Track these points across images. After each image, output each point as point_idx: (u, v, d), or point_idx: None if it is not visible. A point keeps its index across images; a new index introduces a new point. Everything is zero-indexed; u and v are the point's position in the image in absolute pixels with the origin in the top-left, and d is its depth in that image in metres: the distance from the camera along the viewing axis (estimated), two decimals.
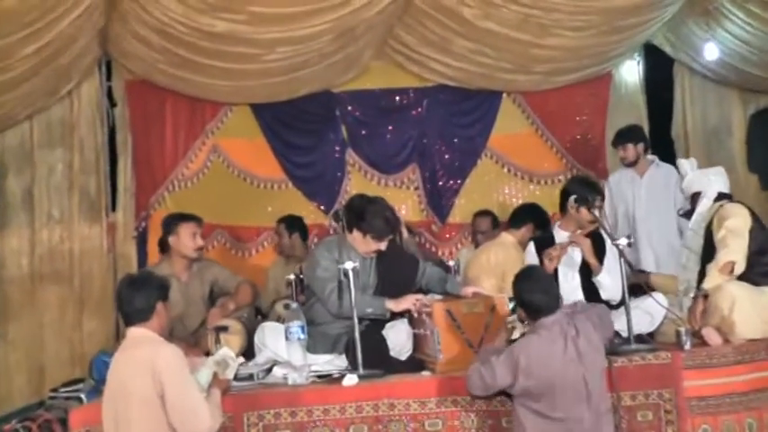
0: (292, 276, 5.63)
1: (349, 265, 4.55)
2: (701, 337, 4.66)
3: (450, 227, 7.55)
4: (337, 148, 7.54)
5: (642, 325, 4.77)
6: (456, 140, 7.62)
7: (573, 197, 5.14)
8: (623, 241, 4.68)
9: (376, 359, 4.61)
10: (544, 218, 5.97)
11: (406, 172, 7.49)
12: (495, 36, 6.66)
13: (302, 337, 4.53)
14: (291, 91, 7.22)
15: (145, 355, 3.68)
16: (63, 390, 5.02)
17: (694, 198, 5.20)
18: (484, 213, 6.89)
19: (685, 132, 7.69)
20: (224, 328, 4.90)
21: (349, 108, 7.54)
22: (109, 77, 7.29)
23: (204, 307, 5.33)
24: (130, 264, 7.19)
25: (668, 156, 7.06)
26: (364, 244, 4.85)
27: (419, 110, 7.60)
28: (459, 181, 7.59)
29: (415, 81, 7.56)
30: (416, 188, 7.52)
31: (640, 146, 6.44)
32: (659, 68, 7.68)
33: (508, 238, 5.83)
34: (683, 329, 4.57)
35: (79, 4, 5.92)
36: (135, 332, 3.82)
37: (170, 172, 7.32)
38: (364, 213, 4.80)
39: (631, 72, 7.77)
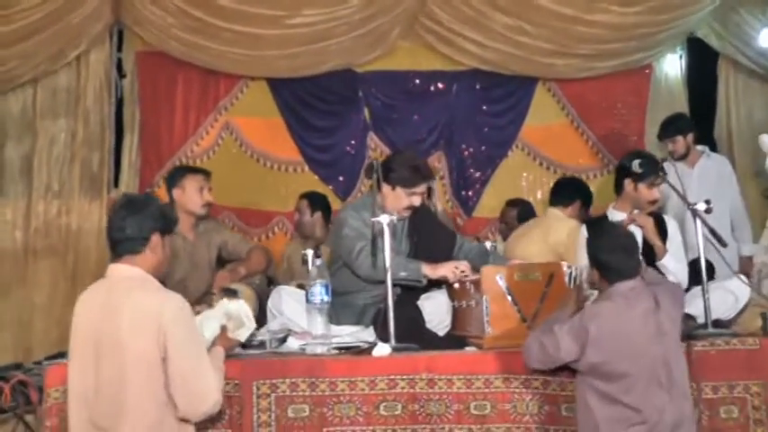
0: (310, 252, 4.79)
1: (384, 218, 3.76)
2: None
3: (476, 221, 6.78)
4: (359, 132, 6.75)
5: (723, 309, 3.95)
6: (486, 129, 6.88)
7: (632, 171, 4.33)
8: (701, 206, 3.89)
9: (410, 332, 3.82)
10: (590, 195, 5.20)
11: (431, 160, 6.69)
12: (537, 9, 5.99)
13: (326, 299, 3.71)
14: (313, 65, 6.49)
15: (149, 303, 2.92)
16: (46, 361, 4.20)
17: None
18: (514, 203, 6.12)
19: (729, 133, 6.94)
20: (233, 292, 4.09)
21: (373, 89, 6.80)
22: (119, 49, 6.56)
23: (210, 272, 4.59)
24: None
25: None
26: (395, 200, 4.12)
27: (448, 95, 6.85)
28: (488, 172, 6.83)
29: (446, 64, 6.81)
30: (441, 177, 6.75)
31: (690, 136, 5.69)
32: (703, 63, 6.97)
33: (560, 214, 5.01)
34: None
35: None
36: (121, 270, 3.02)
37: (178, 149, 6.58)
38: (391, 163, 4.16)
39: (673, 66, 7.04)
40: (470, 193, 6.76)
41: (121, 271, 3.01)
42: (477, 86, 6.87)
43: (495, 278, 3.71)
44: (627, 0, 5.94)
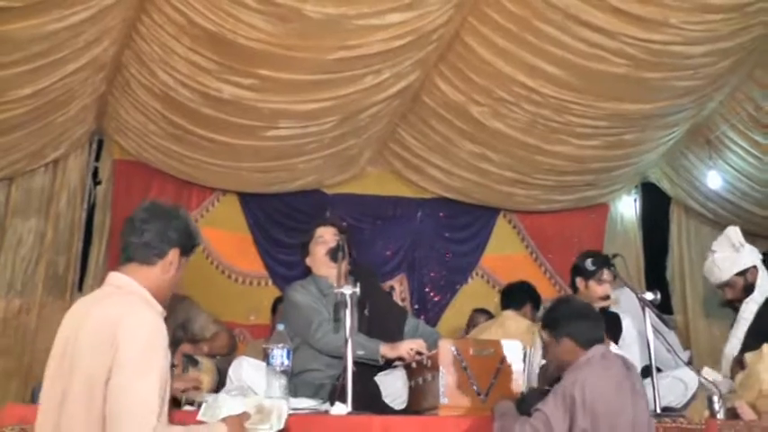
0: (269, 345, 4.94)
1: (347, 289, 3.92)
2: (733, 410, 4.00)
3: None
4: None
5: (673, 396, 4.13)
6: (448, 255, 7.16)
7: (584, 269, 4.61)
8: (649, 295, 4.13)
9: (367, 406, 3.89)
10: (539, 297, 5.46)
11: (394, 282, 6.93)
12: (501, 138, 6.37)
13: (287, 363, 3.79)
14: (284, 181, 6.82)
15: (112, 313, 2.50)
16: None
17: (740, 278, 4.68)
18: (482, 311, 6.32)
19: (682, 273, 7.29)
20: (194, 361, 4.21)
21: (341, 211, 7.05)
22: (97, 157, 6.84)
23: None
24: None
25: (664, 296, 6.58)
26: (322, 262, 4.34)
27: (413, 221, 7.21)
28: (447, 296, 7.09)
29: (412, 191, 7.21)
30: (403, 299, 6.94)
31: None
32: (656, 207, 7.42)
33: (512, 315, 5.23)
34: (715, 396, 3.91)
35: (87, 51, 5.58)
36: (117, 278, 2.67)
37: None
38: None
39: (628, 208, 7.49)
40: (430, 315, 6.95)
41: (117, 279, 2.68)
42: (441, 214, 7.24)
43: (451, 350, 3.85)
44: (584, 134, 6.33)
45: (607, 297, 4.57)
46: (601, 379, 3.24)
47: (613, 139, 6.45)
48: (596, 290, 4.58)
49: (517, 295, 5.41)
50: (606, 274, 4.52)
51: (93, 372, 2.45)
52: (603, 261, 4.55)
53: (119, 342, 2.45)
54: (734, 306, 4.82)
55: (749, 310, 4.71)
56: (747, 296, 4.76)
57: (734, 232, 4.87)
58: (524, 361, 3.95)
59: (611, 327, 4.53)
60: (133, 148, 6.59)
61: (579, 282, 4.62)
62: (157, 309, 2.67)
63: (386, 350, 4.10)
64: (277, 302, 6.15)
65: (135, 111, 6.23)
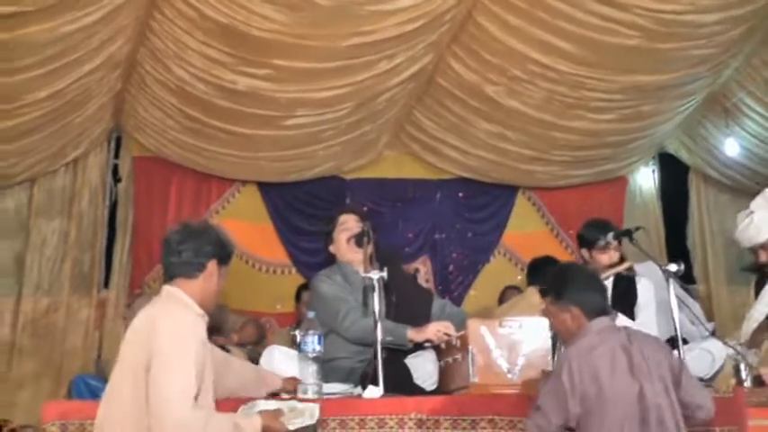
0: (297, 332, 5.02)
1: (375, 274, 3.97)
2: (760, 378, 4.02)
3: None
4: None
5: (701, 368, 4.13)
6: (469, 235, 7.21)
7: (585, 239, 4.63)
8: (673, 267, 4.13)
9: (399, 388, 3.94)
10: None
11: (417, 264, 6.99)
12: (517, 116, 6.39)
13: (318, 348, 3.85)
14: (303, 169, 6.88)
15: (153, 312, 2.87)
16: None
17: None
18: (513, 287, 6.39)
19: (703, 242, 7.31)
20: (226, 350, 4.27)
21: (360, 196, 7.13)
22: (116, 155, 6.93)
23: None
24: (117, 343, 6.50)
25: (685, 266, 6.58)
26: (347, 248, 4.39)
27: (432, 202, 7.25)
28: (470, 276, 7.16)
29: (430, 172, 7.26)
30: (427, 281, 7.00)
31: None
32: (674, 177, 7.45)
33: (535, 292, 5.25)
34: (742, 365, 3.93)
35: (102, 50, 5.64)
36: (168, 290, 2.98)
37: None
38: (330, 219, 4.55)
39: (647, 179, 7.51)
40: (454, 295, 7.00)
41: (165, 291, 2.95)
42: (461, 194, 7.29)
43: (479, 330, 3.90)
44: (600, 108, 6.35)
45: (614, 265, 4.54)
46: (589, 359, 3.02)
47: (629, 112, 6.47)
48: (600, 258, 4.56)
49: (543, 270, 5.40)
50: (609, 241, 4.53)
51: (136, 361, 2.75)
52: (602, 228, 4.57)
53: (157, 334, 2.74)
54: (764, 271, 4.74)
55: None
56: None
57: None
58: (554, 337, 3.99)
59: (626, 293, 4.55)
60: (152, 144, 6.66)
61: (584, 253, 4.63)
62: (197, 311, 2.95)
63: (413, 334, 4.15)
64: (301, 290, 6.23)
65: (152, 107, 6.30)
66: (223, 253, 3.04)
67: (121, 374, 2.85)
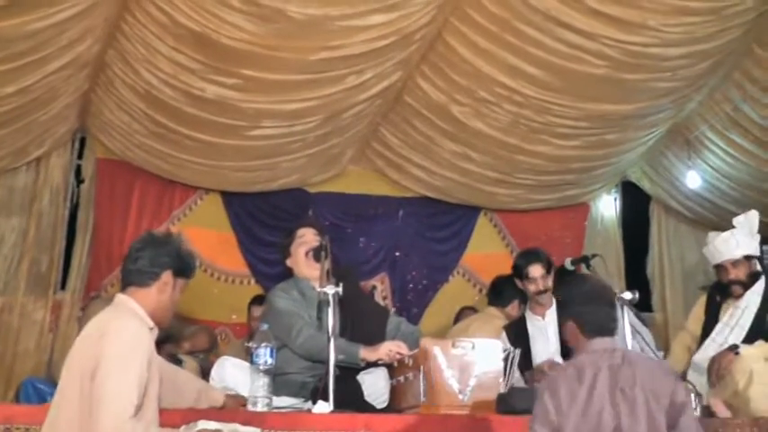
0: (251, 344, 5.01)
1: (330, 289, 3.97)
2: (709, 408, 4.09)
3: None
4: None
5: None
6: (429, 254, 7.24)
7: (515, 269, 4.89)
8: (628, 295, 4.19)
9: (349, 404, 3.94)
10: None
11: (375, 281, 7.01)
12: (482, 138, 6.44)
13: (270, 361, 3.85)
14: (267, 180, 6.87)
15: (103, 318, 2.91)
16: None
17: (749, 262, 4.62)
18: (470, 308, 6.42)
19: (661, 271, 7.41)
20: (178, 361, 4.25)
21: (324, 210, 7.15)
22: (80, 155, 6.87)
23: None
24: (70, 347, 6.42)
25: (643, 294, 6.73)
26: (304, 263, 4.41)
27: (395, 219, 7.29)
28: (428, 294, 7.18)
29: (394, 190, 7.30)
30: (385, 298, 7.01)
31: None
32: (636, 206, 7.54)
33: (495, 313, 5.31)
34: (692, 395, 3.98)
35: (70, 49, 5.59)
36: (120, 298, 3.03)
37: None
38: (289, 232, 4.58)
39: (608, 207, 7.60)
40: (412, 313, 7.00)
41: (117, 299, 3.00)
42: (424, 213, 7.32)
43: (432, 349, 3.91)
44: (565, 134, 6.41)
45: (542, 292, 4.72)
46: (567, 381, 2.84)
47: (594, 139, 6.53)
48: (529, 288, 4.75)
49: (505, 290, 5.48)
50: (534, 270, 4.64)
51: (83, 368, 2.77)
52: (529, 257, 4.70)
53: (103, 342, 2.77)
54: (725, 290, 4.71)
55: (753, 301, 4.56)
56: (749, 286, 4.61)
57: (755, 218, 4.70)
58: (506, 360, 4.02)
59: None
60: (116, 147, 6.61)
61: (519, 283, 4.78)
62: (148, 323, 2.99)
63: (366, 353, 4.15)
64: (251, 305, 6.22)
65: (118, 109, 6.25)
66: (181, 265, 3.08)
67: (69, 381, 2.86)
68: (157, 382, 2.95)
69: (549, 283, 4.73)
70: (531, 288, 4.74)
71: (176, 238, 3.17)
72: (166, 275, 3.01)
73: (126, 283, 3.03)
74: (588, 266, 4.56)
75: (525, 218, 7.37)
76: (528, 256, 4.80)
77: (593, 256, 4.62)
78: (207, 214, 7.03)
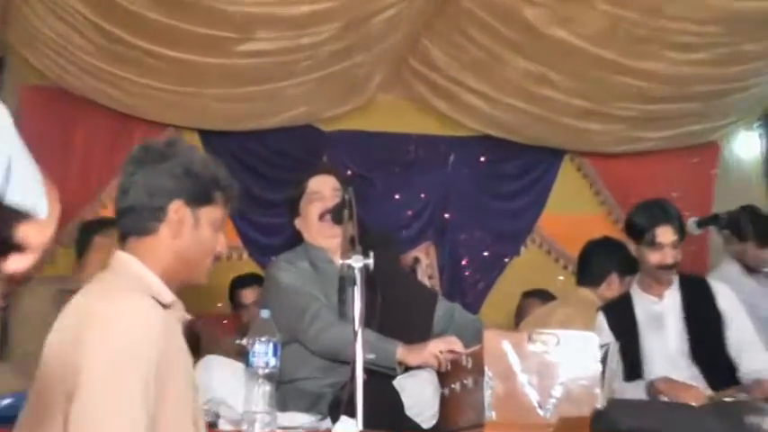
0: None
1: (356, 262, 3.99)
2: None
3: None
4: None
5: None
6: (492, 216, 7.25)
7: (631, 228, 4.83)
8: None
9: (384, 420, 3.98)
10: (630, 259, 5.28)
11: (417, 252, 6.97)
12: (567, 51, 6.40)
13: (273, 362, 3.88)
14: (262, 115, 6.93)
15: (84, 303, 2.57)
16: None
17: None
18: (535, 294, 6.44)
19: None
20: None
21: (342, 156, 7.19)
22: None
23: None
24: None
25: None
26: (319, 227, 4.49)
27: (443, 168, 7.32)
28: (493, 274, 7.26)
29: (441, 126, 7.33)
30: (430, 276, 7.02)
31: None
32: None
33: (588, 296, 5.34)
34: None
35: None
36: (117, 259, 2.74)
37: (69, 219, 6.76)
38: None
39: (749, 147, 7.56)
40: (467, 300, 7.02)
41: (115, 261, 2.74)
42: (483, 159, 7.35)
43: (501, 346, 3.93)
44: (685, 44, 6.35)
45: (669, 266, 4.69)
46: None
47: (727, 51, 6.46)
48: (650, 258, 4.70)
49: (597, 262, 5.49)
50: (664, 234, 4.63)
51: (54, 382, 2.45)
52: (655, 214, 4.68)
53: (85, 342, 2.43)
54: None
55: None
56: None
57: None
58: (604, 361, 4.03)
59: (701, 302, 4.74)
60: (50, 69, 6.64)
61: (630, 245, 4.80)
62: (161, 295, 2.69)
63: (405, 354, 4.15)
64: (237, 288, 6.35)
65: (52, 16, 6.23)
66: (195, 188, 2.76)
67: (38, 400, 2.54)
68: (183, 399, 2.65)
69: (680, 254, 4.72)
70: (655, 259, 4.70)
71: (183, 146, 2.88)
72: (176, 207, 2.72)
73: (123, 233, 2.76)
74: (722, 228, 4.58)
75: (628, 165, 7.37)
76: (653, 212, 4.73)
77: (731, 214, 4.63)
78: None
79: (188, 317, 2.89)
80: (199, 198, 2.76)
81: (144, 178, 2.72)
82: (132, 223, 2.74)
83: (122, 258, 2.73)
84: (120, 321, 2.45)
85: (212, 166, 2.85)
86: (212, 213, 2.79)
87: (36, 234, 1.86)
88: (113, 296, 2.55)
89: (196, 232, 2.75)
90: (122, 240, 2.76)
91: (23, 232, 1.82)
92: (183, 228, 2.73)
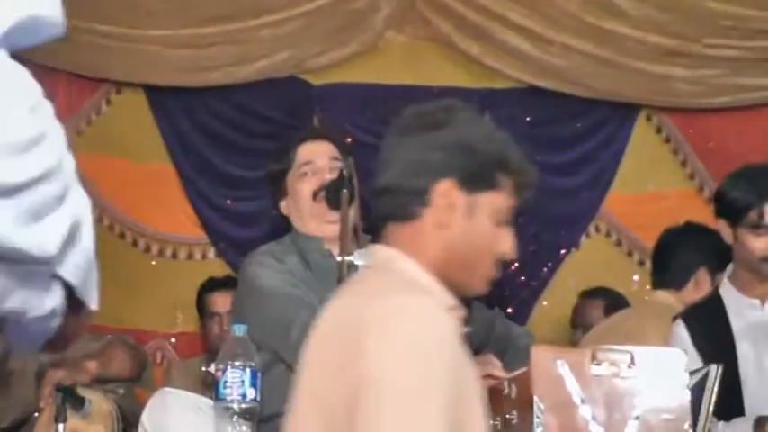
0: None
1: (359, 257, 4.02)
2: None
3: None
4: None
5: None
6: (542, 197, 7.21)
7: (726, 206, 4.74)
8: None
9: None
10: (722, 251, 5.19)
11: None
12: None
13: (251, 394, 3.93)
14: (232, 63, 6.99)
15: (355, 304, 2.71)
16: None
17: None
18: (597, 294, 6.50)
19: None
20: (78, 400, 4.41)
21: (340, 116, 7.22)
22: None
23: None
24: None
25: None
26: (311, 209, 4.48)
27: None
28: (545, 269, 7.26)
29: (473, 76, 7.35)
30: None
31: None
32: None
33: (668, 302, 5.35)
34: None
35: None
36: (378, 256, 2.92)
37: None
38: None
39: None
40: (511, 307, 7.02)
41: (376, 256, 2.92)
42: (529, 119, 7.34)
43: (555, 365, 3.95)
44: None
45: None
46: None
47: None
48: (752, 245, 4.68)
49: (680, 257, 5.48)
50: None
51: (327, 395, 2.62)
52: (764, 186, 4.63)
53: (366, 350, 2.55)
54: None
55: None
56: None
57: None
58: (700, 390, 4.07)
59: None
60: None
61: (723, 228, 4.74)
62: (442, 297, 2.77)
63: None
64: (206, 292, 6.45)
65: None
66: (473, 165, 2.78)
67: (304, 415, 2.75)
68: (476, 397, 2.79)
69: None
70: (759, 247, 4.68)
71: (466, 113, 2.94)
72: (444, 188, 2.75)
73: (377, 221, 2.92)
74: None
75: (725, 123, 7.38)
76: (759, 184, 4.70)
77: None
78: (121, 129, 7.13)
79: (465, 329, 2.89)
80: (476, 180, 2.77)
81: (407, 151, 2.80)
82: (389, 207, 2.83)
83: (384, 253, 2.84)
84: (408, 324, 2.56)
85: (501, 141, 2.88)
86: (493, 201, 2.81)
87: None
88: (392, 292, 2.67)
89: (469, 222, 2.78)
90: (375, 232, 2.94)
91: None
92: (453, 215, 2.76)
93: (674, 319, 4.88)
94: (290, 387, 4.20)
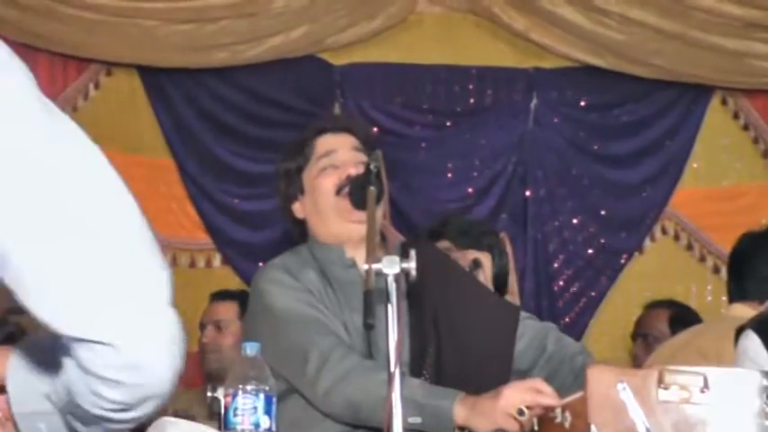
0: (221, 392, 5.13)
1: (389, 265, 4.00)
2: None
3: None
4: None
5: None
6: (600, 193, 7.27)
7: None
8: None
9: None
10: None
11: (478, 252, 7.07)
12: None
13: (266, 425, 3.94)
14: (242, 41, 7.03)
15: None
16: None
17: None
18: (665, 305, 6.47)
19: None
20: None
21: (365, 101, 7.26)
22: None
23: None
24: None
25: None
26: (332, 209, 4.39)
27: (519, 116, 7.35)
28: (603, 275, 7.23)
29: (518, 54, 7.39)
30: None
31: None
32: None
33: (748, 314, 5.35)
34: None
35: None
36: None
37: None
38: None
39: None
40: (563, 321, 7.05)
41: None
42: (584, 103, 7.38)
43: (616, 389, 3.96)
44: None
45: None
46: None
47: None
48: None
49: (761, 266, 5.48)
50: None
51: None
52: None
53: None
54: None
55: None
56: None
57: None
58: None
59: None
60: None
61: None
62: None
63: (467, 415, 4.10)
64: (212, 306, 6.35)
65: None
66: None
67: None
68: None
69: None
70: None
71: None
72: None
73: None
74: None
75: None
76: None
77: None
78: (113, 117, 7.16)
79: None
80: None
81: None
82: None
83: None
84: None
85: None
86: None
87: None
88: None
89: None
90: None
91: None
92: None
93: (740, 331, 4.86)
94: (308, 419, 4.26)
